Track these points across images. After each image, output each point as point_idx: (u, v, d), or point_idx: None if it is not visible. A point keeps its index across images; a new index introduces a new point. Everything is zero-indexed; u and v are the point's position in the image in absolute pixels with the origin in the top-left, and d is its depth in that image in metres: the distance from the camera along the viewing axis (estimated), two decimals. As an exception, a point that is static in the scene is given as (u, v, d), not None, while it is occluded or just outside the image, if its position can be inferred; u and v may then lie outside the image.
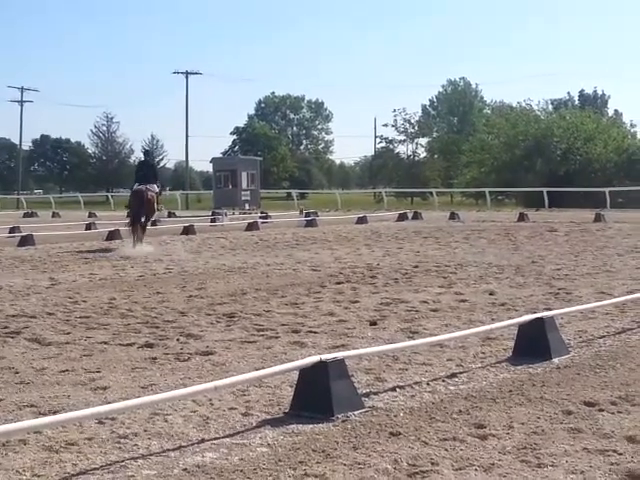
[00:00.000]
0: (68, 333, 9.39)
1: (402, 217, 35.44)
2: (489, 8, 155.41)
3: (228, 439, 5.57)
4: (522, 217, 33.21)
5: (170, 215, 40.46)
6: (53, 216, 47.02)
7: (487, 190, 50.62)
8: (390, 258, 17.80)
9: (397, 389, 6.80)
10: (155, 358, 8.03)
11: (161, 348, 8.51)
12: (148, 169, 22.51)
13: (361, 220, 32.77)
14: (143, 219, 21.54)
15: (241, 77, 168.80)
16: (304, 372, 6.14)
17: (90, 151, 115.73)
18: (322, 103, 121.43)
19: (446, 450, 5.31)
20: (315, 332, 9.31)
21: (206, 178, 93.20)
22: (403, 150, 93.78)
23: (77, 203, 65.49)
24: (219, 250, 20.54)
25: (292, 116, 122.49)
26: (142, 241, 21.30)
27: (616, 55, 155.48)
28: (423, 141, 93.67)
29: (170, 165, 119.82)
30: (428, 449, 5.32)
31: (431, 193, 59.11)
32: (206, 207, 53.05)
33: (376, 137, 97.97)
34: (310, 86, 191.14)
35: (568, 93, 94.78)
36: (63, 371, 7.53)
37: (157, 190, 22.14)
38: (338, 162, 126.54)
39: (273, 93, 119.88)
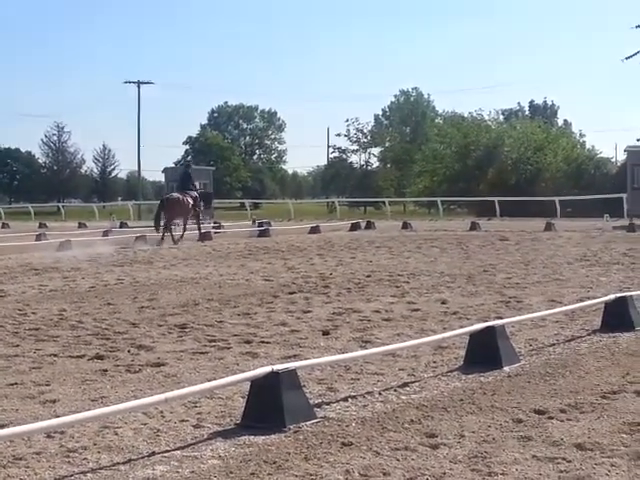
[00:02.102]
0: (17, 345, 9.27)
1: (355, 227, 35.50)
2: (441, 19, 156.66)
3: (179, 452, 5.53)
4: (474, 226, 33.45)
5: (122, 225, 40.16)
6: (3, 227, 46.41)
7: (439, 199, 50.96)
8: (343, 268, 17.83)
9: (349, 399, 6.81)
10: (105, 370, 7.95)
11: (112, 360, 8.43)
12: (187, 178, 27.82)
13: (314, 230, 32.78)
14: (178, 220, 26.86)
15: (194, 87, 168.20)
16: (256, 383, 6.11)
17: (41, 161, 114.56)
18: (275, 113, 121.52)
19: (398, 460, 5.31)
20: (267, 342, 9.29)
21: (159, 188, 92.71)
22: (356, 160, 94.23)
23: (27, 214, 64.69)
24: (171, 260, 20.42)
25: (245, 126, 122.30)
26: (175, 241, 25.88)
27: (566, 66, 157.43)
28: (376, 151, 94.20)
29: (122, 175, 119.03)
30: (380, 459, 5.33)
31: (384, 202, 59.36)
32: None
33: (329, 147, 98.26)
34: (263, 96, 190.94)
35: (518, 103, 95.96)
36: (11, 384, 7.42)
37: (194, 196, 27.04)
38: (291, 172, 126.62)
39: (226, 103, 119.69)
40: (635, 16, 64.49)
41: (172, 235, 26.75)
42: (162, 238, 26.27)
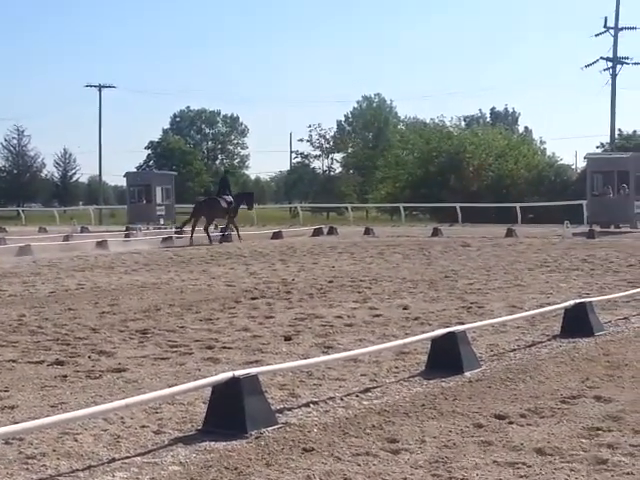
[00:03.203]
0: (-25, 351, 9.16)
1: (317, 232, 35.49)
2: (403, 25, 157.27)
3: (139, 458, 5.50)
4: (436, 232, 33.58)
5: (83, 230, 39.86)
6: (-39, 231, 45.82)
7: (402, 205, 51.09)
8: (305, 273, 17.83)
9: (311, 405, 6.81)
10: (65, 376, 7.89)
11: (72, 366, 8.37)
12: (225, 184, 31.35)
13: (276, 235, 32.70)
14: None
15: (156, 91, 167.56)
16: (217, 388, 6.10)
17: (0, 165, 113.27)
18: (237, 118, 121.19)
19: (359, 465, 5.32)
20: (229, 348, 9.27)
21: (120, 193, 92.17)
22: (318, 165, 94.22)
23: (-14, 218, 63.98)
24: (133, 265, 20.30)
25: (207, 130, 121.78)
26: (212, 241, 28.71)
27: (527, 73, 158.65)
28: (338, 156, 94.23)
29: (84, 179, 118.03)
30: (341, 465, 5.33)
31: (346, 208, 59.38)
32: (120, 222, 52.40)
33: (291, 152, 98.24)
34: (226, 100, 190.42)
35: (480, 110, 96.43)
36: (-31, 390, 7.33)
37: (229, 200, 29.93)
38: (254, 177, 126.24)
39: (188, 107, 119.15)
40: (595, 26, 65.23)
41: (209, 235, 29.52)
42: (191, 237, 29.10)
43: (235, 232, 30.45)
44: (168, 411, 6.60)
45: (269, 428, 6.04)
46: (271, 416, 6.22)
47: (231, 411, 6.02)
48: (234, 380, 6.05)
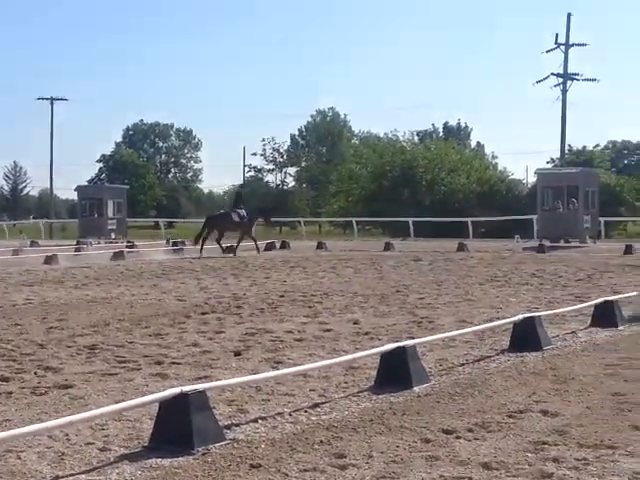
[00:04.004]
0: None
1: (270, 246, 35.45)
2: (352, 40, 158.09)
3: (84, 475, 5.44)
4: (388, 247, 33.72)
5: (33, 244, 39.42)
6: None
7: (354, 220, 51.23)
8: (257, 288, 17.79)
9: (259, 420, 6.78)
10: (10, 392, 7.78)
11: (17, 382, 8.25)
12: (238, 199, 33.43)
13: (228, 249, 32.62)
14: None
15: (109, 104, 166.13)
16: (164, 404, 6.05)
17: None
18: (191, 131, 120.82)
19: (306, 481, 5.30)
20: (178, 363, 9.21)
21: (72, 206, 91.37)
22: (272, 179, 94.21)
23: None
24: (83, 280, 20.11)
25: (161, 144, 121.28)
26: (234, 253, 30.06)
27: (479, 89, 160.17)
28: (292, 170, 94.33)
29: (34, 193, 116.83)
30: (288, 481, 5.31)
31: (299, 222, 59.42)
32: (71, 236, 51.91)
33: (245, 166, 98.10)
34: (179, 114, 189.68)
35: (433, 125, 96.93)
36: None
37: (242, 214, 31.33)
38: (207, 191, 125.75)
39: (142, 120, 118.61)
40: (547, 42, 66.20)
41: (221, 246, 30.82)
42: (222, 250, 30.51)
43: (255, 243, 31.79)
44: (114, 428, 6.54)
45: (216, 444, 6.00)
46: (219, 432, 6.18)
47: (178, 427, 5.97)
48: (182, 396, 6.00)
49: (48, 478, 5.37)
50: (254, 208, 34.90)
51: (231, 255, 29.94)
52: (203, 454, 5.82)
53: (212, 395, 6.94)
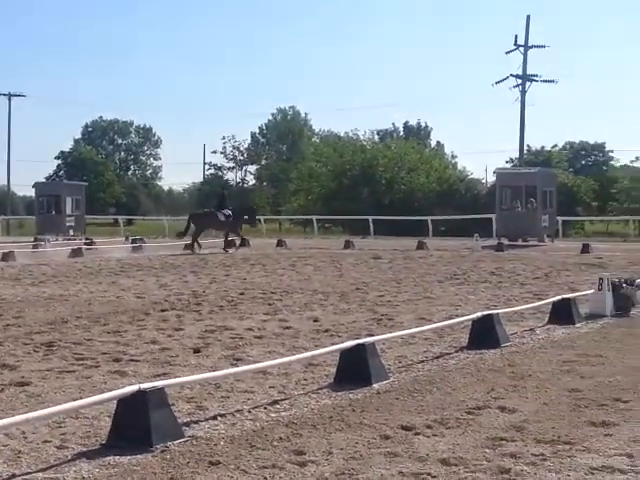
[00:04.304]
0: None
1: (230, 244, 35.29)
2: (313, 39, 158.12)
3: (40, 474, 5.38)
4: (348, 245, 33.77)
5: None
6: None
7: (314, 218, 51.26)
8: (216, 285, 17.74)
9: (218, 417, 6.76)
10: (-34, 390, 7.68)
11: (-27, 380, 8.15)
12: (222, 199, 34.21)
13: (188, 247, 32.51)
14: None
15: (67, 100, 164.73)
16: (123, 402, 6.01)
17: None
18: (151, 129, 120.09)
19: (265, 478, 5.30)
20: (137, 361, 9.15)
21: (29, 203, 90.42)
22: (232, 177, 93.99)
23: None
24: (40, 277, 19.92)
25: (120, 141, 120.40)
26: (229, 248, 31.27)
27: (439, 88, 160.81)
28: (252, 168, 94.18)
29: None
30: (247, 478, 5.31)
31: (259, 220, 59.33)
32: (29, 233, 51.39)
33: (205, 164, 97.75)
34: (139, 111, 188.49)
35: (393, 124, 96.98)
36: None
37: (227, 214, 32.12)
38: (167, 188, 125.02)
39: (101, 117, 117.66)
40: (506, 43, 66.75)
41: (198, 243, 31.39)
42: (192, 247, 30.91)
43: (242, 241, 33.31)
44: (72, 425, 6.48)
45: (175, 442, 5.97)
46: (178, 429, 6.15)
47: (137, 425, 5.93)
48: (140, 393, 5.97)
49: (4, 476, 5.31)
50: (239, 208, 35.62)
51: (201, 252, 30.28)
52: (162, 451, 5.79)
53: (171, 392, 6.91)
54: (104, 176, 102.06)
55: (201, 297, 15.36)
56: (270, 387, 7.87)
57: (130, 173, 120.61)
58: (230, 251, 30.90)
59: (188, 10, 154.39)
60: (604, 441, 6.08)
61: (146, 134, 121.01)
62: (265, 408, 7.09)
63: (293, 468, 5.48)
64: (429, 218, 45.49)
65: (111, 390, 6.80)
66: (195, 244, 31.26)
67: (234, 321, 12.25)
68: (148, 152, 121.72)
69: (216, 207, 33.55)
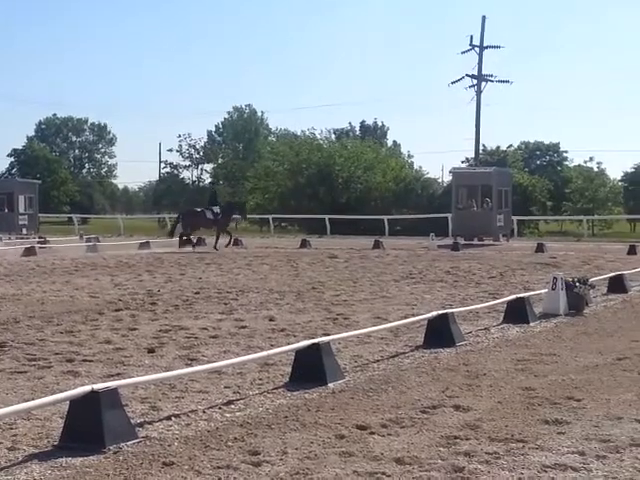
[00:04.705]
0: None
1: (185, 243, 35.12)
2: (270, 37, 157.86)
3: (-9, 476, 5.30)
4: (304, 244, 33.74)
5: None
6: None
7: (271, 217, 51.18)
8: (172, 284, 17.64)
9: (172, 418, 6.71)
10: None
11: None
12: (213, 196, 34.38)
13: (144, 246, 32.34)
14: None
15: (20, 97, 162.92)
16: (75, 403, 5.94)
17: None
18: (105, 126, 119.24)
19: (219, 478, 5.27)
20: (90, 361, 9.06)
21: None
22: (188, 176, 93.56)
23: None
24: (-8, 276, 19.65)
25: (74, 139, 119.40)
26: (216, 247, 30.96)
27: (396, 88, 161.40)
28: (208, 167, 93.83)
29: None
30: (201, 478, 5.27)
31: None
32: (-19, 231, 50.73)
33: (161, 162, 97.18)
34: (93, 109, 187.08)
35: (350, 123, 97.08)
36: None
37: (215, 211, 32.18)
38: (122, 187, 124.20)
39: (55, 115, 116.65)
40: (462, 44, 67.23)
41: (192, 242, 31.77)
42: (185, 244, 31.37)
43: (231, 239, 32.81)
44: (23, 427, 6.40)
45: (128, 442, 5.92)
46: (131, 430, 6.10)
47: (89, 426, 5.87)
48: (93, 394, 5.90)
49: (-47, 479, 5.23)
50: (228, 204, 35.81)
51: (192, 250, 30.62)
52: (114, 452, 5.73)
53: (124, 393, 6.86)
54: (58, 174, 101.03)
55: (156, 296, 15.26)
56: (225, 387, 7.83)
57: (85, 171, 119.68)
58: (230, 248, 31.13)
59: (144, 7, 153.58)
60: (557, 439, 6.13)
61: (101, 132, 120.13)
62: (220, 408, 7.06)
63: (247, 468, 5.46)
64: (385, 217, 45.65)
65: (63, 391, 6.73)
66: (184, 241, 31.57)
67: (189, 321, 12.18)
68: (103, 150, 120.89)
69: (207, 204, 33.66)
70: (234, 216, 35.63)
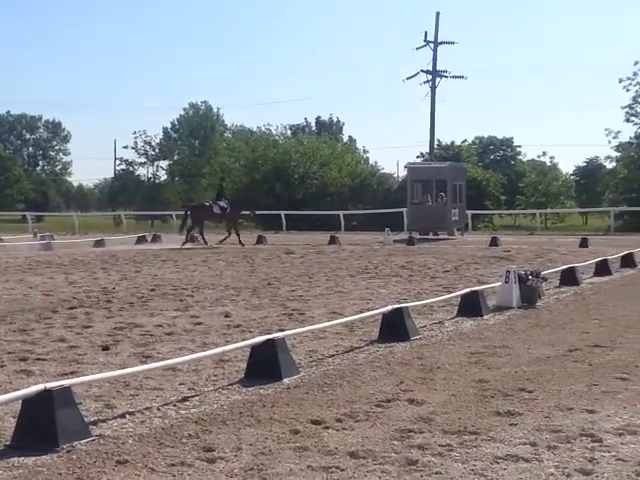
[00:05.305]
0: None
1: (141, 240, 35.01)
2: (225, 34, 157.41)
3: (-58, 477, 5.25)
4: (260, 240, 33.72)
5: None
6: None
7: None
8: (127, 282, 17.53)
9: (127, 415, 6.69)
10: None
11: None
12: (220, 191, 33.71)
13: (99, 243, 32.13)
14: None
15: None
16: (27, 402, 5.90)
17: None
18: (60, 123, 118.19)
19: (173, 476, 5.26)
20: (44, 359, 8.99)
21: None
22: (144, 173, 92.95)
23: None
24: (-56, 275, 19.40)
25: (28, 136, 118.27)
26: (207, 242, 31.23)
27: (352, 84, 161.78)
28: (164, 164, 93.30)
29: None
30: (155, 476, 5.26)
31: (171, 216, 58.82)
32: None
33: (116, 159, 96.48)
34: (47, 106, 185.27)
35: (305, 119, 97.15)
36: None
37: (222, 206, 32.07)
38: (77, 184, 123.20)
39: (8, 112, 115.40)
40: (417, 40, 67.59)
41: (192, 237, 31.94)
42: (186, 240, 31.19)
43: (228, 237, 32.13)
44: (-25, 427, 6.34)
45: (82, 441, 5.89)
46: (84, 429, 6.06)
47: (42, 425, 5.83)
48: (46, 392, 5.86)
49: None
50: (237, 199, 35.81)
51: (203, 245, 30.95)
52: (68, 451, 5.70)
53: (78, 391, 6.82)
54: (12, 172, 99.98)
55: (111, 294, 15.16)
56: (180, 384, 7.81)
57: (39, 169, 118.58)
58: (244, 244, 30.97)
59: (98, 3, 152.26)
60: (509, 430, 6.21)
61: (55, 129, 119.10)
62: (175, 405, 7.04)
63: (202, 465, 5.46)
64: (341, 213, 45.76)
65: (16, 390, 6.67)
66: (188, 237, 31.51)
67: (144, 318, 12.12)
68: (57, 147, 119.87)
69: (214, 199, 33.41)
70: (243, 212, 35.38)
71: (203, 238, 31.86)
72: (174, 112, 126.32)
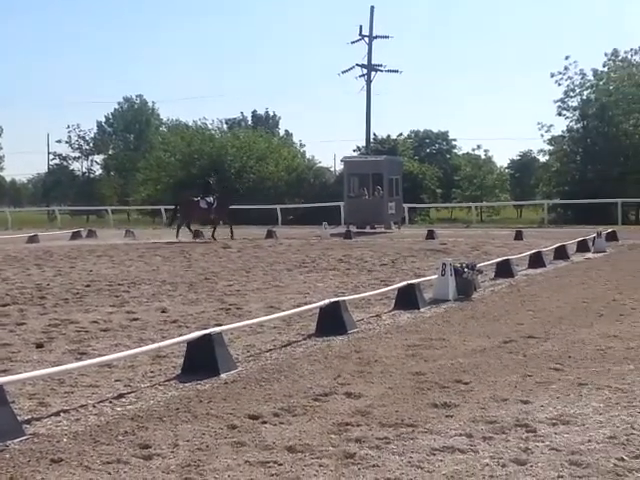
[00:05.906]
0: None
1: (76, 235, 34.60)
2: (160, 26, 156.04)
3: None
4: (197, 234, 33.51)
5: None
6: None
7: (163, 208, 50.67)
8: (61, 278, 17.30)
9: (62, 413, 6.60)
10: None
11: None
12: (207, 187, 33.21)
13: (32, 239, 31.67)
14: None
15: None
16: (-41, 401, 5.79)
17: None
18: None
19: (109, 474, 5.21)
20: (-25, 358, 8.83)
21: None
22: (78, 167, 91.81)
23: None
24: None
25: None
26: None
27: (288, 78, 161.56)
28: (99, 158, 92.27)
29: None
30: (90, 474, 5.20)
31: (107, 211, 58.25)
32: None
33: (49, 154, 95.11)
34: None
35: (242, 113, 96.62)
36: None
37: (209, 201, 31.82)
38: (9, 179, 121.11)
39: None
40: (352, 34, 67.78)
41: (190, 229, 32.44)
42: (177, 233, 31.35)
43: (214, 231, 31.87)
44: None
45: (15, 440, 5.79)
46: (17, 427, 5.97)
47: (-26, 424, 5.73)
48: (-23, 392, 5.76)
49: None
50: (224, 195, 34.81)
51: (210, 240, 30.73)
52: (1, 451, 5.61)
53: (11, 389, 6.72)
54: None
55: (45, 290, 14.95)
56: (116, 380, 7.74)
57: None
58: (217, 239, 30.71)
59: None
60: (445, 422, 6.26)
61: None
62: (110, 402, 6.97)
63: (138, 462, 5.41)
64: (278, 207, 45.70)
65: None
66: (180, 231, 31.46)
67: (79, 314, 11.98)
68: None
69: (202, 194, 32.92)
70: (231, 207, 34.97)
71: (189, 230, 32.10)
72: (108, 106, 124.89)
